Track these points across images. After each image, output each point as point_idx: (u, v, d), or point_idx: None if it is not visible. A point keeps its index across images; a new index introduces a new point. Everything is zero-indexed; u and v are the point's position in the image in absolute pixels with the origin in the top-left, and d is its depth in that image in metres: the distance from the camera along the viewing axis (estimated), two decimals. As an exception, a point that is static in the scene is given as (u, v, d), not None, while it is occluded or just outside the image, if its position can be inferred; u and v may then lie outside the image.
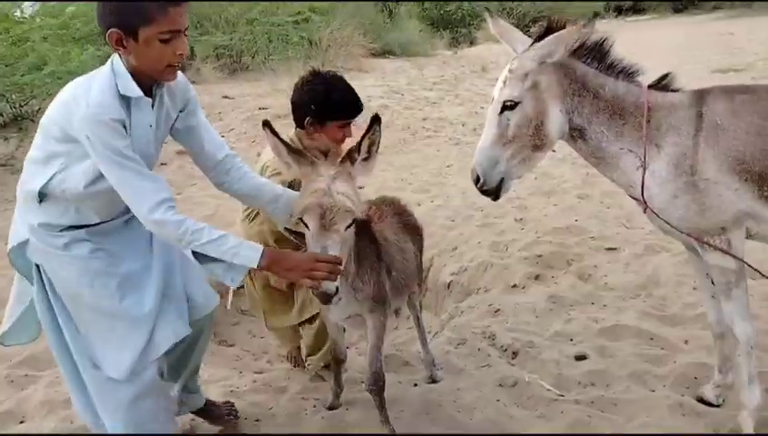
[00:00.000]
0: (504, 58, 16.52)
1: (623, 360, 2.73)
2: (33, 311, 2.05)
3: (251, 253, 1.85)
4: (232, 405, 2.51)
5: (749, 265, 2.10)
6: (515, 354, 2.89)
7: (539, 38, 2.05)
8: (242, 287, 2.78)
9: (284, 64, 10.50)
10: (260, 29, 12.47)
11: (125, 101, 1.82)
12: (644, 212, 2.16)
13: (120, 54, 1.81)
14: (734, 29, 18.54)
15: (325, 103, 2.47)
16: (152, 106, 1.91)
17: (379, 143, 1.92)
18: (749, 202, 1.98)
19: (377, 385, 2.27)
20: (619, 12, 38.04)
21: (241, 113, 8.40)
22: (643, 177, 2.08)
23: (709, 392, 2.41)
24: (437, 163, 6.63)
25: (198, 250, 1.82)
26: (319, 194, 1.83)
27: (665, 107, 2.08)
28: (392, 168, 6.43)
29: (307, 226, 1.88)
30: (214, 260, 1.85)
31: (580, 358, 2.79)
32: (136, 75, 1.83)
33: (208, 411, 2.45)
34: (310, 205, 1.84)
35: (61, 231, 1.93)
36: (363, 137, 1.90)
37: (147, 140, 1.92)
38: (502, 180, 2.15)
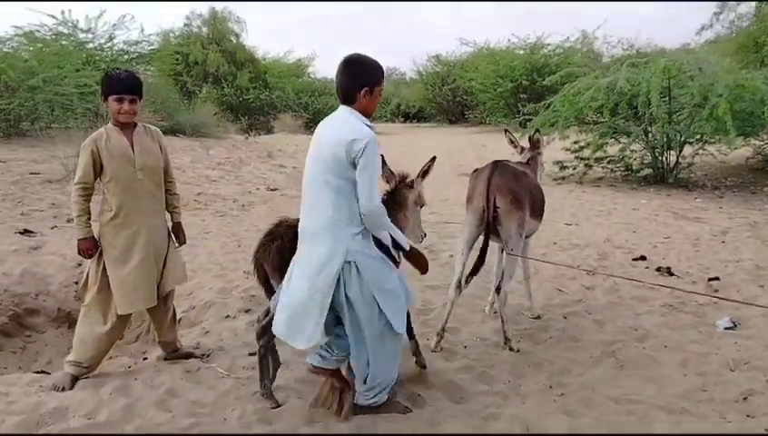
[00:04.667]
0: (291, 148, 18.28)
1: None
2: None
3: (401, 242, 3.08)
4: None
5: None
6: (208, 355, 3.99)
7: None
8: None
9: (65, 133, 10.66)
10: (43, 97, 12.60)
11: None
12: None
13: (360, 102, 2.96)
14: (488, 141, 21.81)
15: (103, 82, 3.63)
16: None
17: None
18: None
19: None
20: (406, 118, 43.56)
21: (11, 176, 8.69)
22: None
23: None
24: (196, 230, 7.57)
25: (380, 230, 2.96)
26: None
27: None
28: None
29: None
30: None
31: (252, 354, 3.95)
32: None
33: None
34: None
35: (357, 234, 2.93)
36: None
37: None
38: None
